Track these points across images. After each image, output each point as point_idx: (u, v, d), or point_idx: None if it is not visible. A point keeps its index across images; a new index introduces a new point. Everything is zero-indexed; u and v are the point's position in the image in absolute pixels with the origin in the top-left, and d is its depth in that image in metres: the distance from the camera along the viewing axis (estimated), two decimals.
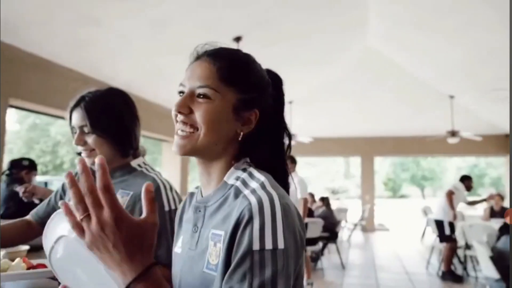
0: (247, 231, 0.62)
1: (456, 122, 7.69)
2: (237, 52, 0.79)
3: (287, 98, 0.83)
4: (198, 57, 0.77)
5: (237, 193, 0.70)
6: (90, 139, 1.21)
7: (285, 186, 0.79)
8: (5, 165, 4.14)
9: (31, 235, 1.44)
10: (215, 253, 0.68)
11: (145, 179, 1.22)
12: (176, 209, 1.21)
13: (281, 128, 0.82)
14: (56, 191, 1.47)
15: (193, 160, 0.80)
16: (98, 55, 4.87)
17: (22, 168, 3.25)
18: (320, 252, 6.13)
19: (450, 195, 5.44)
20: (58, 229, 0.70)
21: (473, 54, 5.60)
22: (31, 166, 3.33)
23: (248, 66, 0.77)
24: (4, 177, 3.23)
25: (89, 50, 4.66)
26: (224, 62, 0.74)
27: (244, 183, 0.71)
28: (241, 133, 0.75)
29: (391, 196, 35.09)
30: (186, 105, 0.73)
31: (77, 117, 1.22)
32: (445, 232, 5.38)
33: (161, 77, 5.75)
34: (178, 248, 0.83)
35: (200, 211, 0.77)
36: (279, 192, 0.68)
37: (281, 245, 0.61)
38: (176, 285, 0.79)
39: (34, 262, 1.19)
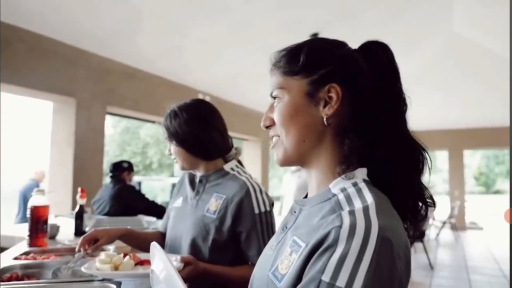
0: (325, 256, 0.53)
1: None
2: (296, 44, 0.73)
3: None
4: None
5: (336, 207, 0.61)
6: (172, 150, 1.38)
7: (417, 162, 0.71)
8: (104, 165, 4.63)
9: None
10: (287, 263, 0.61)
11: (237, 182, 1.31)
12: (266, 211, 1.26)
13: (395, 97, 0.71)
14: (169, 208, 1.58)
15: (273, 158, 0.75)
16: (182, 62, 5.18)
17: (123, 170, 3.48)
18: None
19: None
20: (153, 263, 0.83)
21: None
22: (130, 167, 3.57)
23: (305, 46, 0.70)
24: (108, 178, 3.55)
25: (174, 57, 4.99)
26: (282, 59, 0.71)
27: (348, 199, 0.61)
28: (325, 117, 0.66)
29: (484, 192, 32.23)
30: (267, 118, 0.73)
31: (163, 131, 1.40)
32: None
33: (243, 78, 5.94)
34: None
35: (295, 212, 0.71)
36: (385, 221, 0.55)
37: (356, 287, 0.50)
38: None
39: (142, 257, 1.24)
